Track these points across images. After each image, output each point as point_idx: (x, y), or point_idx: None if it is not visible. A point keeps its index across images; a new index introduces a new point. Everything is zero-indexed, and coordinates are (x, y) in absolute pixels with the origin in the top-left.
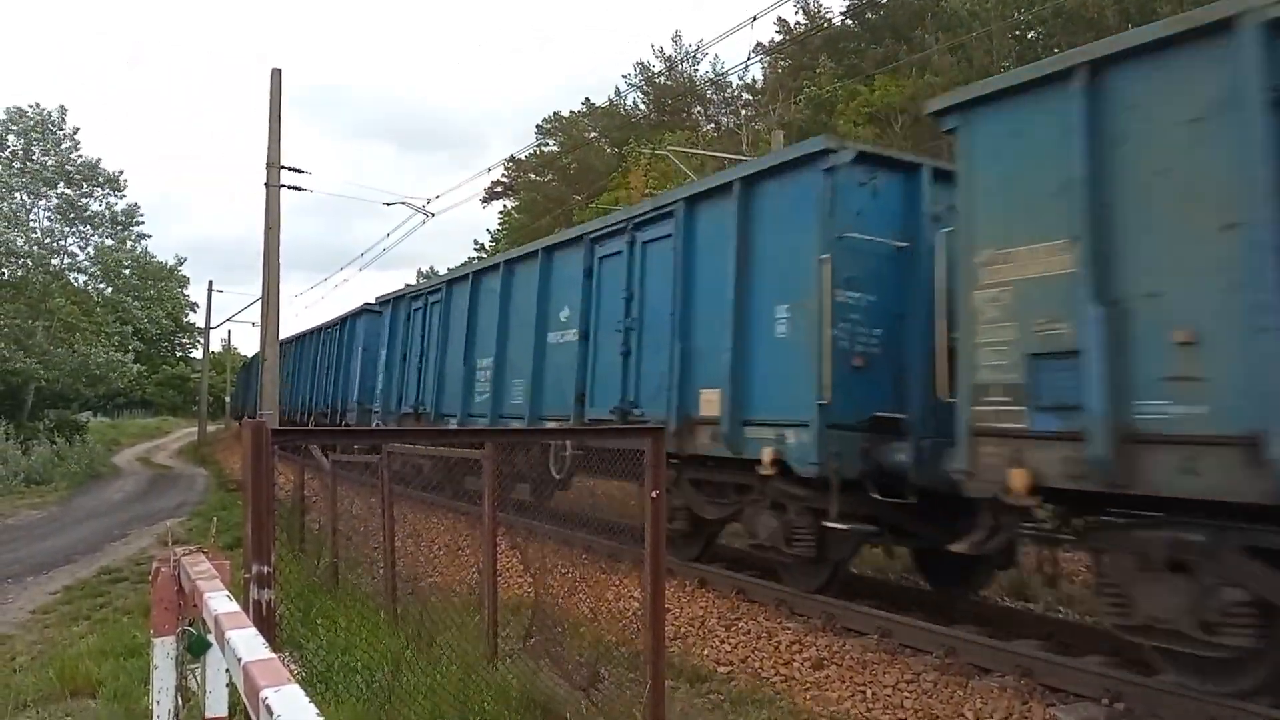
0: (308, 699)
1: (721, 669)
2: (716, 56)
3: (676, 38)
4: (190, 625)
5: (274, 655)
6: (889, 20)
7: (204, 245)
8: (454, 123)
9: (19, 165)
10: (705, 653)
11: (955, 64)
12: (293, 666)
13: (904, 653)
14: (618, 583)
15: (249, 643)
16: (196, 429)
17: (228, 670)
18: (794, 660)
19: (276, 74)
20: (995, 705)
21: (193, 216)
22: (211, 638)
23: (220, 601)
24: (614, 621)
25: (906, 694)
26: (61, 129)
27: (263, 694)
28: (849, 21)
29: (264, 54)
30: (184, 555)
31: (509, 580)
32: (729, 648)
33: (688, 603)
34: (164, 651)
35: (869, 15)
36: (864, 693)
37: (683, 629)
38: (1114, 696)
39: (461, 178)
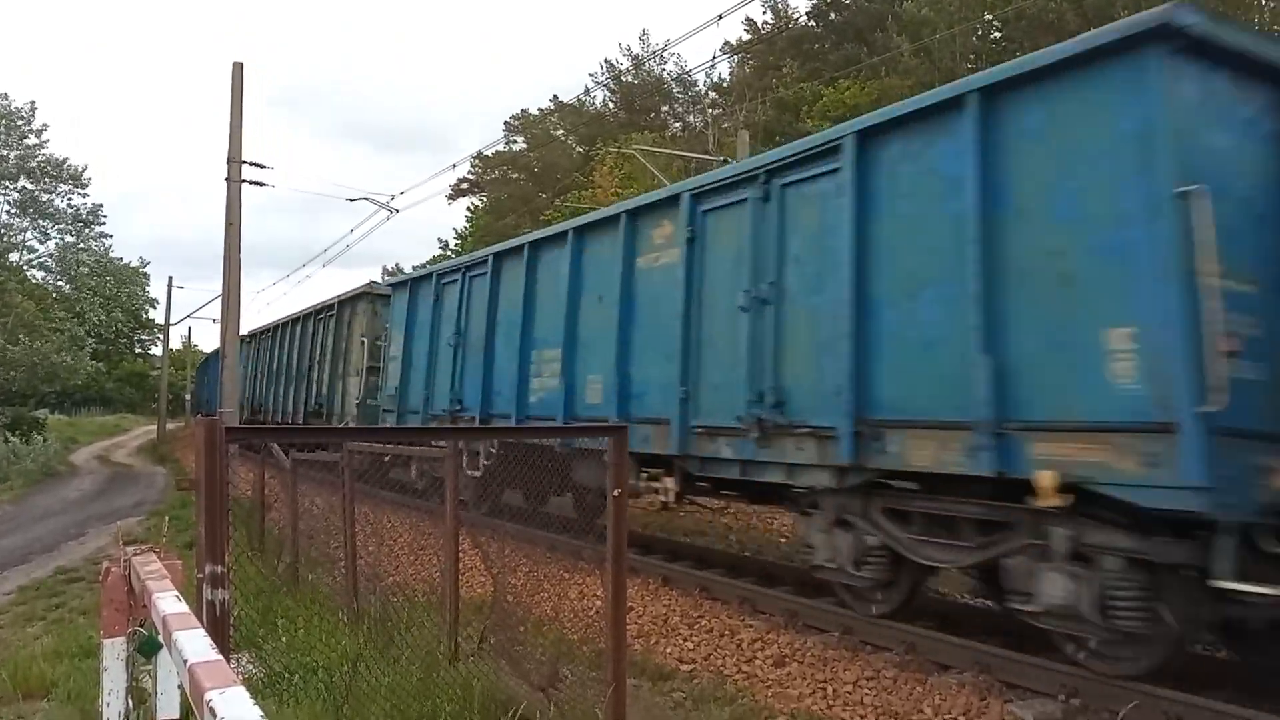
0: (252, 700)
1: (684, 667)
2: (680, 55)
3: (644, 36)
4: (141, 626)
5: (220, 656)
6: (851, 22)
7: (166, 239)
8: (431, 123)
9: None
10: (668, 651)
11: (920, 65)
12: (250, 667)
13: (865, 649)
14: (581, 581)
15: (195, 644)
16: (156, 426)
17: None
18: (756, 658)
19: (238, 68)
20: (954, 701)
21: (155, 209)
22: (162, 638)
23: (168, 602)
24: (577, 621)
25: (867, 690)
26: (29, 124)
27: (207, 695)
28: (812, 23)
29: (245, 49)
30: (135, 555)
31: (472, 579)
32: (692, 646)
33: (651, 601)
34: (114, 653)
35: (833, 16)
36: (825, 689)
37: (646, 627)
38: (1070, 692)
39: (430, 176)
